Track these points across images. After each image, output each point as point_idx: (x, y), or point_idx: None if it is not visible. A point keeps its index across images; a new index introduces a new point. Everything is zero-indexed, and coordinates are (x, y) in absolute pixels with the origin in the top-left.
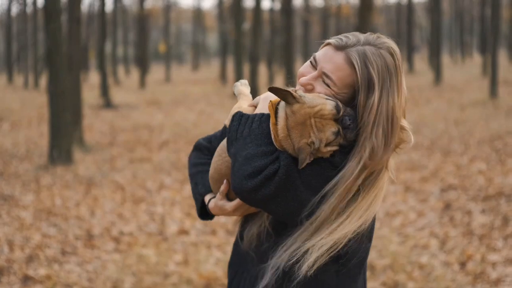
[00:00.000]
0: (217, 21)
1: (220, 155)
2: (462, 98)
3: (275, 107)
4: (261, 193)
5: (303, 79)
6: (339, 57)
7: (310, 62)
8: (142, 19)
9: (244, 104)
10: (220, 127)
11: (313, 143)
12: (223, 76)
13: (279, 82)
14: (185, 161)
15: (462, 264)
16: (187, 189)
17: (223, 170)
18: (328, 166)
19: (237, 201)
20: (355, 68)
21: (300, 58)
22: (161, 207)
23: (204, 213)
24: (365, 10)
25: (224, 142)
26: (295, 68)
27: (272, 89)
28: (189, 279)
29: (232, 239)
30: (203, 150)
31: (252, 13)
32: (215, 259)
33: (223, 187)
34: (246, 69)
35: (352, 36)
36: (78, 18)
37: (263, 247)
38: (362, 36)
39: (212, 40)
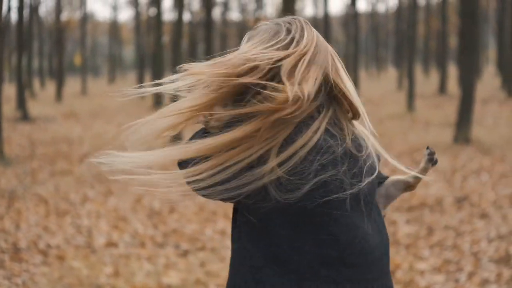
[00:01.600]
0: (133, 33)
1: None
2: (380, 112)
3: None
4: None
5: None
6: None
7: None
8: (59, 31)
9: None
10: None
11: None
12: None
13: None
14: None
15: (391, 273)
16: (112, 201)
17: None
18: None
19: None
20: None
21: None
22: (87, 220)
23: None
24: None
25: None
26: None
27: None
28: None
29: (161, 251)
30: None
31: (171, 26)
32: (146, 271)
33: None
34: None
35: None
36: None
37: None
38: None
39: (128, 52)
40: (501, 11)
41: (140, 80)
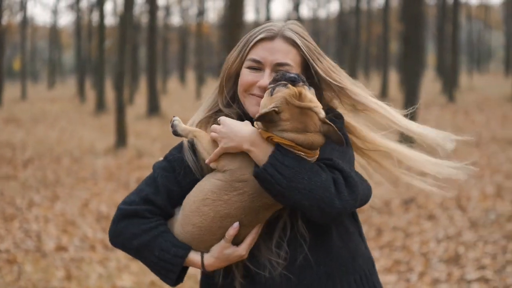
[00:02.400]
0: (73, 38)
1: (211, 201)
2: None
3: (268, 132)
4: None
5: (263, 83)
6: (279, 43)
7: (250, 67)
8: None
9: (206, 142)
10: (84, 144)
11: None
12: (81, 93)
13: (143, 97)
14: (53, 178)
15: None
16: (59, 206)
17: (220, 213)
18: (346, 143)
19: (249, 239)
20: (298, 45)
21: (161, 73)
22: (35, 224)
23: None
24: (235, 27)
25: (203, 188)
26: (159, 82)
27: (260, 118)
28: None
29: (112, 254)
30: (145, 214)
31: (112, 31)
32: (98, 275)
33: (232, 231)
34: (108, 85)
35: (273, 23)
36: None
37: (298, 261)
38: (277, 21)
39: (68, 57)
40: (442, 17)
41: (81, 85)
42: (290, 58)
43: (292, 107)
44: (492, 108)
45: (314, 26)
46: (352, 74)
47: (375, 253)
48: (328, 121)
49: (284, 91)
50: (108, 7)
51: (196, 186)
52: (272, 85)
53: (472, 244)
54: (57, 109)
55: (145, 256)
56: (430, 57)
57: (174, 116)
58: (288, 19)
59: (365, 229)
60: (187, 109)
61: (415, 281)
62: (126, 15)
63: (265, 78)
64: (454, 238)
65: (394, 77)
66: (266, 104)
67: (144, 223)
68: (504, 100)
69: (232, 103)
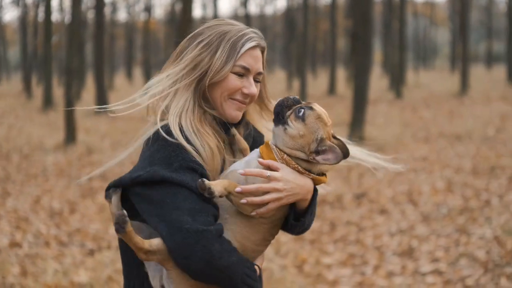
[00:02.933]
0: (18, 34)
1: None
2: None
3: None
4: None
5: (252, 91)
6: (258, 52)
7: (238, 73)
8: None
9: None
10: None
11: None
12: (28, 90)
13: (91, 94)
14: (3, 174)
15: (299, 267)
16: (10, 202)
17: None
18: None
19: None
20: (264, 54)
21: (108, 69)
22: None
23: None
24: (185, 22)
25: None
26: (106, 79)
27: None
28: None
29: (67, 250)
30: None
31: (58, 26)
32: (54, 270)
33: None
34: (54, 82)
35: (251, 29)
36: None
37: None
38: (243, 25)
39: (13, 53)
40: (388, 13)
41: (26, 81)
42: (262, 66)
43: (325, 127)
44: (439, 104)
45: (262, 22)
46: (300, 70)
47: (329, 247)
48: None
49: (314, 114)
50: (54, 2)
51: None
52: (294, 109)
53: (425, 237)
54: (4, 105)
55: (234, 272)
56: (377, 54)
57: (202, 180)
58: (236, 15)
59: (318, 223)
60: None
61: (370, 274)
62: (75, 10)
63: (253, 86)
64: (407, 232)
65: (341, 74)
66: (300, 128)
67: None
68: (451, 96)
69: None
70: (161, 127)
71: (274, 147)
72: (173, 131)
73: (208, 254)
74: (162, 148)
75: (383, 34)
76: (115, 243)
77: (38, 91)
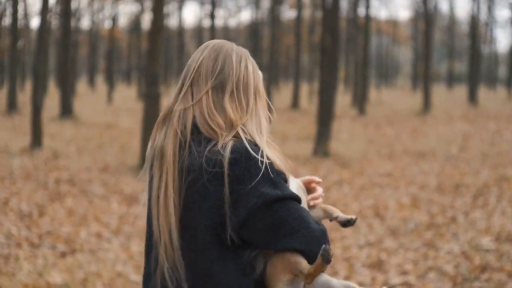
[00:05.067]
0: None
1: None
2: None
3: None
4: None
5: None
6: None
7: None
8: None
9: None
10: None
11: None
12: None
13: (53, 99)
14: None
15: None
16: None
17: None
18: None
19: None
20: None
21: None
22: None
23: None
24: (156, 32)
25: None
26: (77, 84)
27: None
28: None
29: (39, 252)
30: None
31: (24, 31)
32: (27, 271)
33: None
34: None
35: None
36: None
37: None
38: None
39: None
40: (353, 30)
41: None
42: None
43: None
44: (401, 122)
45: (226, 34)
46: (268, 84)
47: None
48: None
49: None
50: (20, 8)
51: None
52: None
53: (394, 251)
54: None
55: None
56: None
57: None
58: (200, 27)
59: None
60: (98, 112)
61: None
62: (43, 16)
63: None
64: (375, 244)
65: (304, 89)
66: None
67: None
68: (413, 114)
69: None
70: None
71: None
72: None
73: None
74: (253, 166)
75: (345, 51)
76: (88, 246)
77: (0, 94)
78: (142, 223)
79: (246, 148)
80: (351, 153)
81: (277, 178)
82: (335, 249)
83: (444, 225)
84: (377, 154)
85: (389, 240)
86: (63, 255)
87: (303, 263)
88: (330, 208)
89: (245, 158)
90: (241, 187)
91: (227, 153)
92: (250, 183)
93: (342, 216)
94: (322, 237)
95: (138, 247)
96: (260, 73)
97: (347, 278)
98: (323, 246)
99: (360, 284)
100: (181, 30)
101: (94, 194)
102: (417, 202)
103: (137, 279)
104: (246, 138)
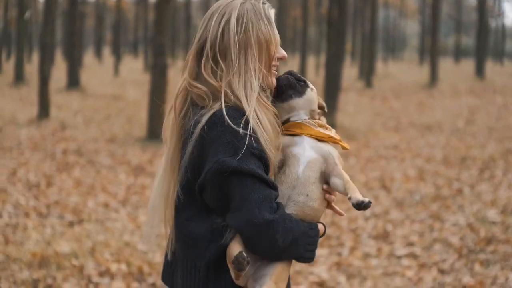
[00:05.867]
0: None
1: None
2: None
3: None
4: None
5: (285, 53)
6: None
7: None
8: None
9: None
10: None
11: None
12: None
13: (60, 71)
14: None
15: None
16: None
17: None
18: None
19: None
20: None
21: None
22: None
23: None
24: (163, 3)
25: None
26: (83, 56)
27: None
28: (17, 257)
29: (47, 221)
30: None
31: (30, 2)
32: (35, 240)
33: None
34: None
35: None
36: None
37: None
38: None
39: None
40: (360, 2)
41: None
42: None
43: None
44: (408, 95)
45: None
46: None
47: None
48: None
49: (314, 92)
50: None
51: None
52: (297, 86)
53: (400, 222)
54: None
55: (297, 246)
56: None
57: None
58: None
59: None
60: (105, 84)
61: (346, 255)
62: None
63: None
64: (381, 216)
65: (311, 61)
66: (299, 103)
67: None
68: (420, 87)
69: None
70: (225, 110)
71: (306, 119)
72: (238, 114)
73: (274, 241)
74: (224, 133)
75: (352, 24)
76: (95, 215)
77: (7, 66)
78: (150, 193)
79: (223, 115)
80: (358, 125)
81: (247, 150)
82: (341, 220)
83: (450, 197)
84: (383, 127)
85: (395, 212)
86: (71, 224)
87: (233, 249)
88: (349, 185)
89: (220, 125)
90: (207, 150)
91: (204, 119)
92: (215, 149)
93: (355, 197)
94: (263, 226)
95: (145, 217)
96: (263, 28)
97: (353, 249)
98: (237, 252)
99: (366, 255)
100: (188, 2)
101: (101, 165)
102: (423, 174)
103: (144, 249)
104: (227, 105)
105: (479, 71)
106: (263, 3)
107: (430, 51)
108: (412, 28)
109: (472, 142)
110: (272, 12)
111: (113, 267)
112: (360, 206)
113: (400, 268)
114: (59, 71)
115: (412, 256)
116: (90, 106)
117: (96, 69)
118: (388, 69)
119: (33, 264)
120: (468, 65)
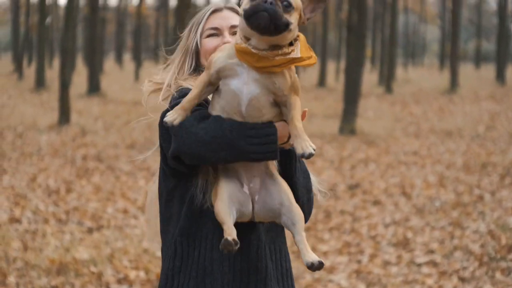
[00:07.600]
0: (10, 14)
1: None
2: None
3: None
4: None
5: (227, 40)
6: (227, 12)
7: (210, 35)
8: None
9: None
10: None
11: None
12: (19, 70)
13: (81, 76)
14: None
15: (296, 253)
16: (6, 179)
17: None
18: None
19: None
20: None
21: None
22: None
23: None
24: (183, 8)
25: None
26: (104, 61)
27: None
28: (35, 264)
29: (66, 228)
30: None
31: (52, 8)
32: (54, 247)
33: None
34: (56, 63)
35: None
36: None
37: None
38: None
39: (2, 34)
40: (380, 7)
41: (18, 61)
42: (238, 21)
43: None
44: (428, 101)
45: None
46: None
47: (325, 235)
48: None
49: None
50: None
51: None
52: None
53: (420, 229)
54: None
55: (243, 139)
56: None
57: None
58: (227, 1)
59: (313, 211)
60: (126, 89)
61: (366, 262)
62: None
63: (227, 38)
64: (401, 223)
65: (331, 67)
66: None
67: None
68: (440, 93)
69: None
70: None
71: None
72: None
73: (193, 135)
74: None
75: (372, 30)
76: (114, 222)
77: (29, 71)
78: None
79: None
80: (378, 131)
81: (172, 101)
82: (361, 227)
83: (471, 204)
84: (404, 133)
85: (415, 219)
86: (89, 231)
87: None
88: (298, 131)
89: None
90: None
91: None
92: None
93: (301, 149)
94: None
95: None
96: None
97: (372, 256)
98: (224, 238)
99: (386, 262)
100: None
101: (121, 171)
102: (443, 181)
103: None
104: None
105: (500, 76)
106: (210, 6)
107: (450, 57)
108: (432, 33)
109: (492, 148)
110: (208, 11)
111: (132, 274)
112: (303, 156)
113: (420, 276)
114: (80, 76)
115: (433, 263)
116: (110, 111)
117: (116, 75)
118: (408, 74)
119: (51, 271)
120: (488, 70)
